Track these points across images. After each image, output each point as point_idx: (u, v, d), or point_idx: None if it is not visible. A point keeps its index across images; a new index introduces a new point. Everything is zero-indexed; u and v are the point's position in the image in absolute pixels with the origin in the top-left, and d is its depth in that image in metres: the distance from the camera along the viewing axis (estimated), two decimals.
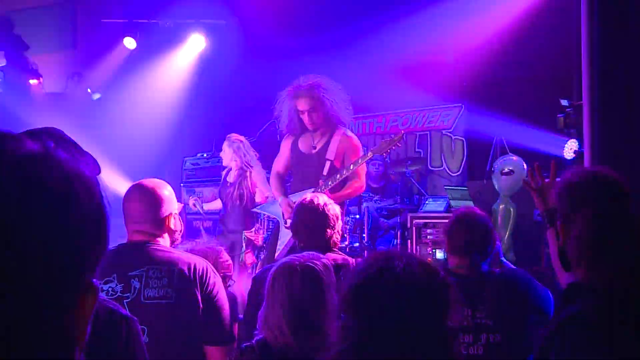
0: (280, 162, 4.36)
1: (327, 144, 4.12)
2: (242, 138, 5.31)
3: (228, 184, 5.25)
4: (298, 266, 1.88)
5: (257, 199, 5.11)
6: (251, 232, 5.10)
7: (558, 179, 2.23)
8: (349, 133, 4.22)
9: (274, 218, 4.49)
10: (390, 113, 7.57)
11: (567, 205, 1.94)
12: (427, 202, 5.62)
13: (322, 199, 2.88)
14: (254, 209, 4.90)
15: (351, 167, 3.93)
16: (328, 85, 4.10)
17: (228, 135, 5.36)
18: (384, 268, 1.20)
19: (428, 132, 7.28)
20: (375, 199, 6.35)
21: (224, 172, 5.42)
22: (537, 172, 2.44)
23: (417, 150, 7.41)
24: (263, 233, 5.23)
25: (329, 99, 4.05)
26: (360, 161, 3.91)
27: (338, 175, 3.96)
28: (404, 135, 3.87)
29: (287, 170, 4.37)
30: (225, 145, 5.32)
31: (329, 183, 3.97)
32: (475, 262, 2.51)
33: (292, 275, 1.85)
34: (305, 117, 4.10)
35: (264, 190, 5.04)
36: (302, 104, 4.06)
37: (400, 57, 6.66)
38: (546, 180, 2.40)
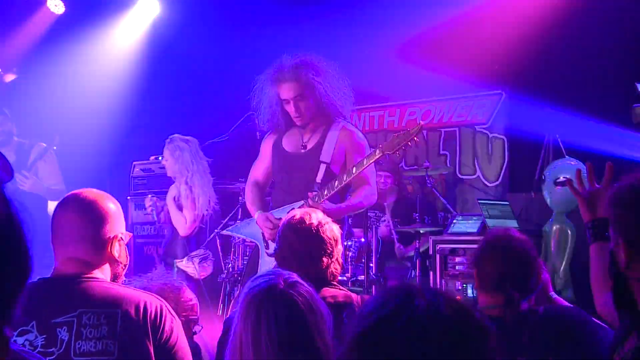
0: (259, 168, 4.40)
1: (322, 141, 4.15)
2: (187, 139, 5.34)
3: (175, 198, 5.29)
4: (278, 294, 1.89)
5: (183, 222, 5.21)
6: (182, 261, 5.12)
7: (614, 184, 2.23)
8: (350, 127, 4.26)
9: (252, 243, 4.45)
10: (406, 103, 7.61)
11: (635, 220, 1.88)
12: (455, 221, 5.62)
13: (315, 216, 2.87)
14: (225, 231, 4.90)
15: (353, 171, 3.93)
16: (319, 64, 4.14)
17: (170, 137, 5.37)
18: (401, 308, 1.18)
19: (456, 129, 7.32)
20: (383, 218, 6.38)
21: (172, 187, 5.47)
22: (589, 174, 2.45)
23: (441, 152, 7.44)
24: (208, 264, 5.24)
25: (321, 83, 4.09)
26: (365, 162, 3.91)
27: (336, 183, 3.96)
28: (422, 127, 3.88)
29: (268, 177, 4.40)
30: (166, 152, 5.34)
31: (325, 193, 3.96)
32: (512, 300, 2.50)
33: (262, 308, 1.87)
34: (290, 108, 4.14)
35: (190, 212, 5.14)
36: (286, 91, 4.10)
37: (419, 29, 6.70)
38: (597, 185, 2.41)
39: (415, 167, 7.35)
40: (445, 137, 7.40)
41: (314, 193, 3.99)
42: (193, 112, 7.43)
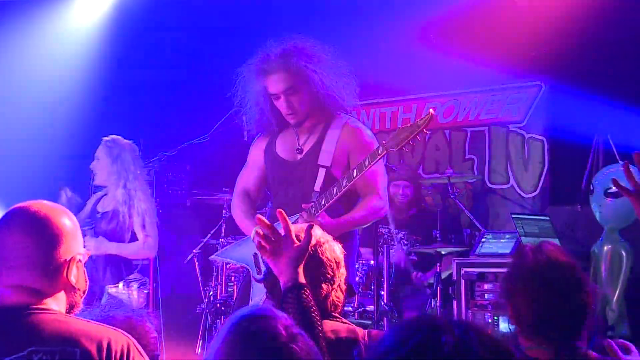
0: (248, 177, 4.42)
1: (320, 142, 4.20)
2: (128, 142, 5.33)
3: (98, 215, 5.26)
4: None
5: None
6: (116, 287, 5.09)
7: None
8: (355, 122, 4.31)
9: (241, 268, 4.43)
10: (425, 97, 7.61)
11: None
12: (484, 240, 5.61)
13: (313, 234, 2.86)
14: (213, 257, 4.89)
15: (354, 175, 3.94)
16: (312, 49, 4.17)
17: (105, 139, 5.34)
18: (424, 346, 1.16)
19: (486, 129, 7.35)
20: (399, 236, 6.38)
21: (92, 198, 5.42)
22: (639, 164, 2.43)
23: (467, 157, 7.46)
24: (144, 292, 5.20)
25: (315, 72, 4.12)
26: (367, 163, 3.92)
27: (335, 190, 3.97)
28: (432, 117, 3.88)
29: (260, 188, 4.43)
30: (100, 151, 5.30)
31: (322, 203, 3.98)
32: (564, 346, 2.41)
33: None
34: (281, 104, 4.17)
35: (139, 232, 5.12)
36: (275, 84, 4.13)
37: (441, 8, 6.69)
38: None
39: (436, 174, 7.34)
40: (472, 138, 7.41)
41: (311, 204, 3.99)
42: (165, 108, 7.43)
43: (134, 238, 5.22)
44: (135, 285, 5.26)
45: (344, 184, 3.95)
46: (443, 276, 5.76)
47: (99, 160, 5.34)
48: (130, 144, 5.41)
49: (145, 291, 5.31)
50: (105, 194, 5.35)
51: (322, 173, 4.12)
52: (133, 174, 5.28)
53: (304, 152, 4.22)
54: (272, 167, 4.31)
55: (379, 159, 3.92)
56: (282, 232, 2.68)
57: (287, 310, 2.45)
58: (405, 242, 6.34)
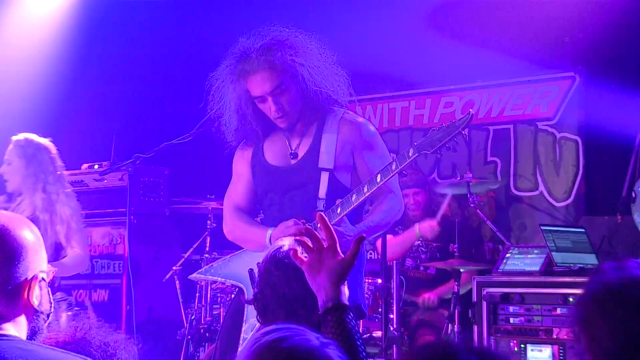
0: (237, 192, 4.52)
1: (317, 142, 4.28)
2: (44, 142, 5.30)
3: None
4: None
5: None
6: None
7: None
8: (352, 115, 4.40)
9: (230, 288, 4.43)
10: (440, 91, 7.62)
11: None
12: (508, 255, 5.59)
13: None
14: (193, 276, 4.88)
15: (378, 180, 4.00)
16: (297, 40, 4.24)
17: (15, 139, 5.30)
18: None
19: (511, 127, 7.38)
20: (418, 243, 6.42)
21: None
22: None
23: (489, 159, 7.49)
24: (71, 310, 5.17)
25: (303, 65, 4.19)
26: (394, 167, 3.98)
27: (354, 196, 4.07)
28: (472, 116, 3.92)
29: (252, 202, 4.52)
30: (11, 155, 5.27)
31: (338, 212, 4.08)
32: None
33: None
34: (268, 107, 4.23)
35: (65, 243, 5.09)
36: (259, 85, 4.18)
37: None
38: None
39: (453, 179, 7.34)
40: (494, 138, 7.43)
41: (318, 212, 3.99)
42: (141, 103, 7.45)
43: (58, 250, 5.19)
44: (63, 306, 5.21)
45: (365, 190, 4.04)
46: (461, 292, 5.78)
47: (11, 163, 5.28)
48: (46, 142, 5.36)
49: (69, 313, 5.24)
50: (20, 200, 5.28)
51: (325, 177, 4.20)
52: (53, 176, 5.24)
53: (300, 157, 4.29)
54: (262, 178, 4.38)
55: (409, 161, 3.99)
56: (323, 241, 2.65)
57: (325, 334, 2.40)
58: (417, 256, 6.33)
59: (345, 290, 2.57)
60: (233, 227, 4.44)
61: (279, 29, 4.23)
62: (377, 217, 4.19)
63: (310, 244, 2.65)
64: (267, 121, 4.30)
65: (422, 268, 6.53)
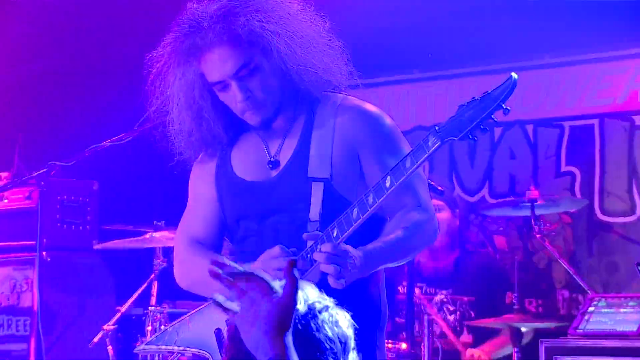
0: (195, 221, 4.51)
1: (305, 142, 4.24)
2: None
3: None
4: None
5: None
6: None
7: None
8: (356, 101, 4.32)
9: (196, 358, 4.44)
10: (489, 71, 7.62)
11: None
12: (592, 308, 5.62)
13: (302, 294, 2.89)
14: (141, 348, 4.89)
15: (387, 184, 3.69)
16: (269, 1, 4.21)
17: None
18: None
19: (594, 122, 7.46)
20: (439, 298, 6.52)
21: None
22: None
23: (564, 169, 7.59)
24: None
25: (282, 35, 4.14)
26: (409, 164, 3.70)
27: (355, 211, 3.89)
28: (516, 82, 3.71)
29: (215, 234, 4.48)
30: None
31: (334, 234, 3.94)
32: None
33: None
34: (232, 96, 4.19)
35: None
36: (218, 65, 4.15)
37: None
38: None
39: (511, 197, 7.39)
40: (571, 138, 7.52)
41: (311, 234, 4.00)
42: (57, 96, 7.52)
43: None
44: None
45: (371, 200, 3.87)
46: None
47: None
48: None
49: None
50: None
51: (318, 190, 4.14)
52: None
53: (283, 165, 4.23)
54: (232, 199, 4.33)
55: (430, 154, 3.76)
56: (257, 276, 2.67)
57: None
58: (451, 308, 6.39)
59: (290, 343, 2.61)
60: (189, 268, 4.38)
61: None
62: (395, 236, 4.02)
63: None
64: (234, 119, 4.27)
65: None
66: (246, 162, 4.34)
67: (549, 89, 7.49)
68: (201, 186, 4.45)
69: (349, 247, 3.82)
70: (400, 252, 4.10)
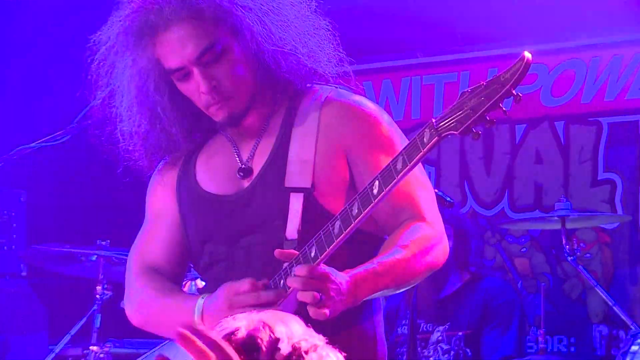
0: (151, 243, 4.49)
1: (283, 145, 4.24)
2: None
3: None
4: None
5: None
6: None
7: None
8: (347, 95, 4.31)
9: None
10: (508, 54, 7.50)
11: None
12: (636, 348, 5.66)
13: (284, 331, 2.91)
14: None
15: (374, 190, 3.64)
16: None
17: None
18: None
19: None
20: (437, 337, 6.54)
21: None
22: None
23: (602, 176, 7.60)
24: None
25: (254, 11, 4.13)
26: (398, 166, 3.57)
27: (337, 226, 3.85)
28: (526, 62, 3.65)
29: (177, 258, 4.47)
30: None
31: (312, 255, 3.92)
32: None
33: None
34: (194, 87, 4.18)
35: None
36: (173, 49, 4.14)
37: None
38: None
39: (538, 211, 7.42)
40: (611, 138, 7.56)
41: (288, 252, 3.96)
42: None
43: None
44: None
45: (355, 211, 3.83)
46: None
47: None
48: None
49: None
50: None
51: (296, 202, 4.14)
52: None
53: (256, 173, 4.22)
54: (196, 217, 4.33)
55: (426, 151, 3.68)
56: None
57: None
58: (446, 347, 6.43)
59: None
60: (143, 301, 4.35)
61: None
62: (393, 257, 3.97)
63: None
64: (199, 117, 4.28)
65: None
66: (213, 170, 4.33)
67: (581, 77, 7.52)
68: (160, 201, 4.45)
69: (330, 270, 3.77)
70: (399, 276, 4.04)
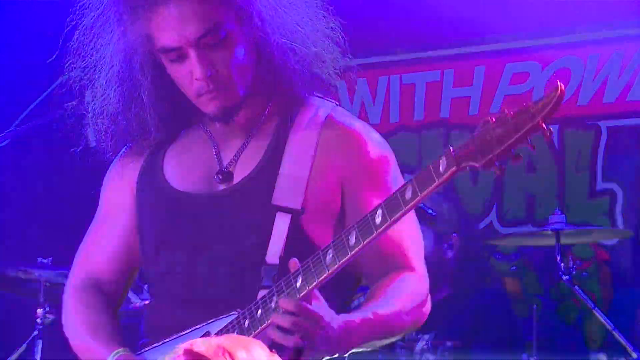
0: (99, 244, 4.48)
1: (276, 151, 4.21)
2: None
3: None
4: None
5: None
6: None
7: None
8: (349, 118, 4.35)
9: None
10: (500, 51, 7.86)
11: None
12: None
13: (240, 356, 2.95)
14: None
15: (377, 221, 3.70)
16: None
17: None
18: None
19: None
20: (422, 345, 6.58)
21: None
22: None
23: (600, 187, 7.65)
24: None
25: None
26: (409, 196, 3.62)
27: (328, 258, 3.81)
28: (561, 93, 3.64)
29: (125, 268, 4.46)
30: None
31: (298, 286, 3.87)
32: None
33: None
34: (188, 71, 4.16)
35: None
36: (171, 26, 4.11)
37: None
38: None
39: (530, 225, 7.45)
40: (610, 143, 7.65)
41: (268, 282, 3.99)
42: None
43: None
44: None
45: (353, 241, 3.78)
46: None
47: None
48: None
49: None
50: None
51: (282, 224, 4.11)
52: None
53: (238, 179, 4.21)
54: (155, 214, 4.31)
55: (441, 183, 3.66)
56: None
57: None
58: (432, 356, 6.46)
59: None
60: (71, 327, 4.40)
61: None
62: (389, 309, 4.01)
63: None
64: (179, 106, 4.27)
65: None
66: (184, 166, 4.31)
67: (578, 75, 7.57)
68: (114, 196, 4.43)
69: (322, 310, 3.78)
70: (389, 330, 4.10)
